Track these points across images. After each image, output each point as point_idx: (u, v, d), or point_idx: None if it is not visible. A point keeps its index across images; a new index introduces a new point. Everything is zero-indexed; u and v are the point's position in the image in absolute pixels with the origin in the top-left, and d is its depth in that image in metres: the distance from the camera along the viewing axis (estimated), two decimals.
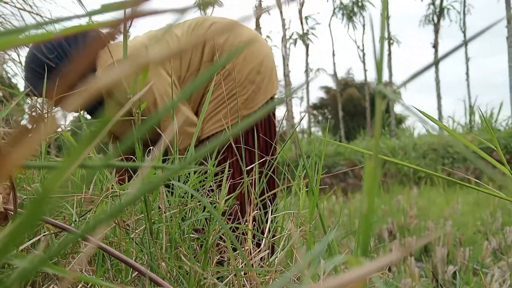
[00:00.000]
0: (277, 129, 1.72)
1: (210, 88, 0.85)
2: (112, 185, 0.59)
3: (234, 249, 0.87)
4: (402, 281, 2.36)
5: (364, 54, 17.67)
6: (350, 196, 7.09)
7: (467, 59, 16.19)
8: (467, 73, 16.00)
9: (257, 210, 0.71)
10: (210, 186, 0.78)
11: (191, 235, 0.71)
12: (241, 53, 1.55)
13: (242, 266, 0.61)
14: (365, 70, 17.55)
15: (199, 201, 0.67)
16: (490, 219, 4.35)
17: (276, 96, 1.72)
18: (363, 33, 18.81)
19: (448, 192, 7.00)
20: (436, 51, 16.42)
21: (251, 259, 0.62)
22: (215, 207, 0.74)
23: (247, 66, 1.56)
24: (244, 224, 0.80)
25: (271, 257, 0.74)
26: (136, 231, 0.68)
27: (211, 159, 0.78)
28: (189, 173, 0.76)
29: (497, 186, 7.03)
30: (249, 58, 1.57)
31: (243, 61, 1.56)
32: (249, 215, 0.67)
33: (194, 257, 0.67)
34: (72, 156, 0.16)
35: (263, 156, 1.41)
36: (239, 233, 0.78)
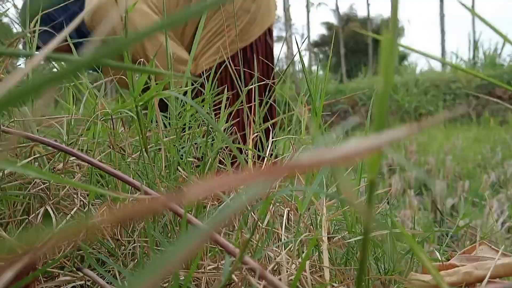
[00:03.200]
0: (275, 62, 1.65)
1: (201, 21, 0.80)
2: (104, 106, 0.56)
3: None
4: (401, 212, 2.39)
5: None
6: (350, 133, 7.08)
7: None
8: (472, 7, 15.52)
9: (257, 133, 0.69)
10: (208, 114, 0.75)
11: (190, 161, 0.69)
12: None
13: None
14: (368, 5, 16.98)
15: (199, 124, 0.64)
16: (490, 153, 4.37)
17: (274, 27, 1.64)
18: None
19: (449, 128, 7.01)
20: None
21: None
22: (210, 134, 0.71)
23: None
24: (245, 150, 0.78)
25: None
26: (133, 155, 0.66)
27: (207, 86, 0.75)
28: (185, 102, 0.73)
29: (498, 122, 7.02)
30: None
31: None
32: (249, 137, 0.65)
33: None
34: None
35: (261, 87, 1.37)
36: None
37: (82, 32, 1.43)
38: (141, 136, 0.52)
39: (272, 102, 0.90)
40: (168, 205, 0.14)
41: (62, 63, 0.63)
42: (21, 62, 0.73)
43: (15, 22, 0.72)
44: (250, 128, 0.66)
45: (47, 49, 0.27)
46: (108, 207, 0.52)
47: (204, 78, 0.82)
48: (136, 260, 0.50)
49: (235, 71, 0.81)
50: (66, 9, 1.45)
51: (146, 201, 0.14)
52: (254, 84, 0.80)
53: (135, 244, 0.51)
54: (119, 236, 0.57)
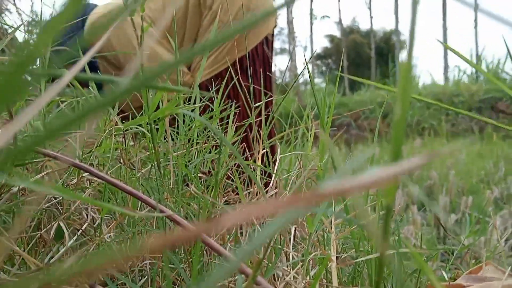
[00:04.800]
0: (278, 76, 1.66)
1: (201, 34, 0.81)
2: (116, 122, 0.57)
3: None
4: (404, 228, 2.39)
5: (370, 0, 17.15)
6: (353, 147, 7.08)
7: (476, 6, 15.69)
8: (475, 21, 15.60)
9: (264, 149, 0.70)
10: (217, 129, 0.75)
11: (198, 176, 0.70)
12: None
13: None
14: (371, 17, 17.09)
15: (206, 139, 0.65)
16: (493, 169, 4.36)
17: (274, 35, 1.64)
18: None
19: (451, 142, 7.00)
20: None
21: (260, 196, 0.61)
22: (221, 149, 0.72)
23: (235, 4, 1.46)
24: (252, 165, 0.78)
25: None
26: (142, 171, 0.66)
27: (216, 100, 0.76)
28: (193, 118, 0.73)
29: (501, 137, 7.02)
30: None
31: None
32: (258, 153, 0.65)
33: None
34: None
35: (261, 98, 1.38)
36: (247, 175, 0.76)
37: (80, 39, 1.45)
38: (154, 152, 0.53)
39: (277, 117, 0.90)
40: (202, 236, 0.15)
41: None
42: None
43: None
44: (259, 144, 0.66)
45: (72, 72, 0.27)
46: (118, 224, 0.53)
47: (213, 92, 0.82)
48: (146, 276, 0.50)
49: (235, 82, 0.82)
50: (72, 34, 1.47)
51: (181, 233, 0.15)
52: (262, 100, 0.81)
53: (145, 261, 0.51)
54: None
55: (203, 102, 0.79)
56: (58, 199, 0.54)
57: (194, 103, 0.73)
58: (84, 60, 0.29)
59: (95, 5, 1.58)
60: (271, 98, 0.96)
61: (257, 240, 0.15)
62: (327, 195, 0.17)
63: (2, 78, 0.13)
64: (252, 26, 0.19)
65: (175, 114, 0.73)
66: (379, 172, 0.18)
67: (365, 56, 19.72)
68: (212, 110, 0.74)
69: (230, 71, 1.20)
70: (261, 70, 1.53)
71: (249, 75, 1.29)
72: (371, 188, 0.18)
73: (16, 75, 0.14)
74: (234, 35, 0.19)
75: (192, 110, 0.72)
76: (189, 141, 0.72)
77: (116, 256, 0.16)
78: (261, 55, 1.56)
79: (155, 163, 0.54)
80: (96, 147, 0.57)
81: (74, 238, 0.52)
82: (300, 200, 0.16)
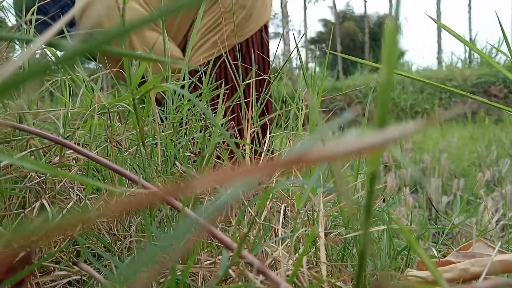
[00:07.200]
0: (271, 59, 1.65)
1: (199, 16, 0.79)
2: (100, 98, 0.55)
3: None
4: (396, 209, 2.40)
5: None
6: (346, 131, 7.06)
7: None
8: (469, 5, 15.55)
9: (254, 128, 0.69)
10: (205, 108, 0.74)
11: (187, 156, 0.69)
12: None
13: None
14: (365, 2, 16.97)
15: (196, 118, 0.64)
16: (485, 152, 4.38)
17: (269, 23, 1.63)
18: None
19: (444, 126, 7.03)
20: None
21: None
22: (207, 128, 0.71)
23: None
24: (242, 146, 0.77)
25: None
26: (129, 150, 0.65)
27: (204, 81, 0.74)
28: (183, 96, 0.72)
29: (493, 120, 7.05)
30: None
31: None
32: (247, 132, 0.65)
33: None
34: None
35: (257, 83, 1.37)
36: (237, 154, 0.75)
37: (72, 24, 1.42)
38: (138, 130, 0.52)
39: (269, 98, 0.89)
40: (166, 198, 0.14)
41: (57, 52, 0.62)
42: (17, 55, 0.72)
43: (11, 14, 0.71)
44: (247, 123, 0.65)
45: (44, 37, 0.26)
46: (105, 202, 0.52)
47: (201, 72, 0.81)
48: (133, 254, 0.49)
49: (232, 66, 0.81)
50: (57, 1, 1.43)
51: (144, 195, 0.14)
52: (252, 79, 0.80)
53: (131, 239, 0.51)
54: (115, 231, 0.56)
55: (193, 82, 0.78)
56: (43, 177, 0.53)
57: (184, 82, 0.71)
58: (59, 24, 0.28)
59: None
60: (262, 77, 0.95)
61: (224, 200, 0.14)
62: (301, 161, 0.16)
63: None
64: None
65: (163, 93, 0.72)
66: (362, 138, 0.17)
67: (359, 41, 19.63)
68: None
69: (228, 56, 1.18)
70: (259, 56, 1.53)
71: (246, 59, 1.28)
72: (354, 154, 0.17)
73: None
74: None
75: (181, 87, 0.71)
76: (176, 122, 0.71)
77: (85, 215, 0.15)
78: (259, 42, 1.55)
79: (140, 142, 0.53)
80: (81, 124, 0.56)
81: (59, 217, 0.51)
82: (272, 165, 0.15)
